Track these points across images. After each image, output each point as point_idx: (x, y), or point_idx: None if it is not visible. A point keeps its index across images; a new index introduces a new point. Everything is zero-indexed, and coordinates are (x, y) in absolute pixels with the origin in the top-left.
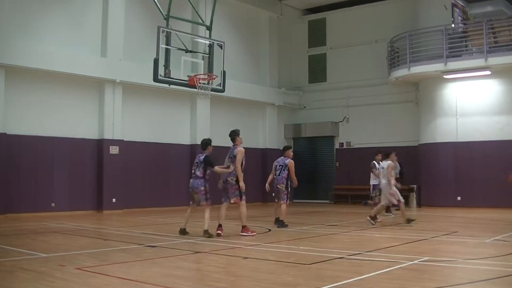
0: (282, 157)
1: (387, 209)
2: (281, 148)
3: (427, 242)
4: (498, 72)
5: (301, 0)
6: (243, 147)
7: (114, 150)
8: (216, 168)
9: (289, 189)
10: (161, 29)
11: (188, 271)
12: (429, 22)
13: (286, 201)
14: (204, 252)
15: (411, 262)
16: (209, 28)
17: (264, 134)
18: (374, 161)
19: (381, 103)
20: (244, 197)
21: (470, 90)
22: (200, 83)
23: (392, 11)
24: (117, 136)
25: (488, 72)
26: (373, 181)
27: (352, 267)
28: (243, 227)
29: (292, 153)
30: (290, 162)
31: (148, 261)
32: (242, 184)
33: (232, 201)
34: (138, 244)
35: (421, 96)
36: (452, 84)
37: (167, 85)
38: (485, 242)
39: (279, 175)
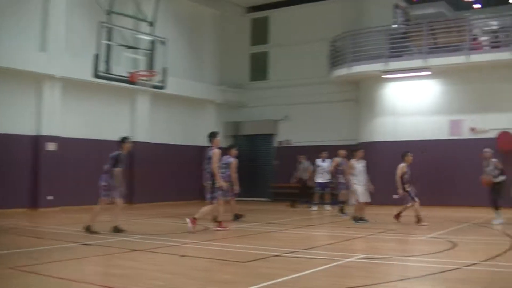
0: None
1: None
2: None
3: (363, 240)
4: (438, 73)
5: None
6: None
7: (51, 146)
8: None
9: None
10: (102, 24)
11: (125, 269)
12: (371, 22)
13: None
14: (141, 250)
15: (348, 260)
16: (151, 24)
17: (204, 131)
18: (318, 159)
19: (322, 101)
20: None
21: (410, 90)
22: (141, 79)
23: (335, 11)
24: (55, 133)
25: (428, 73)
26: (319, 179)
27: (289, 265)
28: (219, 222)
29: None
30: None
31: (84, 259)
32: (220, 183)
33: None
34: (74, 242)
35: (361, 95)
36: (392, 84)
37: (107, 81)
38: (420, 240)
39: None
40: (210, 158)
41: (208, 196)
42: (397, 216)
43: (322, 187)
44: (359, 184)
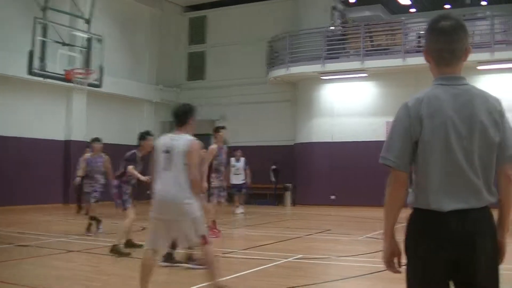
0: None
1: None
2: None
3: (301, 240)
4: (374, 75)
5: None
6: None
7: None
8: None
9: None
10: (37, 20)
11: (61, 271)
12: (309, 23)
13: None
14: (77, 251)
15: (285, 260)
16: (88, 22)
17: (141, 131)
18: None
19: (259, 102)
20: (211, 198)
21: (347, 91)
22: (77, 77)
23: (273, 12)
24: None
25: (364, 75)
26: (233, 180)
27: (226, 265)
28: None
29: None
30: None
31: (20, 261)
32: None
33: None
34: (9, 244)
35: (298, 96)
36: (329, 85)
37: (42, 79)
38: (357, 240)
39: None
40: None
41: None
42: None
43: (238, 188)
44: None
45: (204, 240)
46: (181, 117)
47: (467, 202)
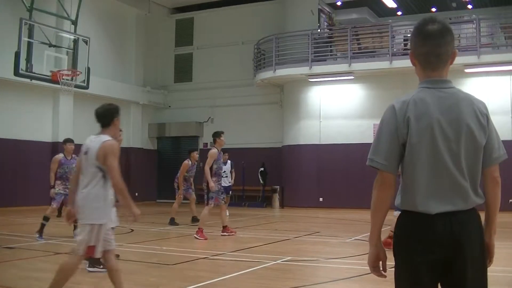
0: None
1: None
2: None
3: (290, 242)
4: (361, 77)
5: None
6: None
7: None
8: None
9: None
10: (23, 21)
11: (49, 273)
12: (296, 26)
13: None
14: (65, 253)
15: (274, 262)
16: (74, 23)
17: (128, 133)
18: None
19: (247, 104)
20: (211, 201)
21: (334, 94)
22: (63, 79)
23: (259, 14)
24: None
25: (351, 77)
26: (222, 183)
27: (215, 267)
28: (199, 229)
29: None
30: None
31: (6, 263)
32: (212, 185)
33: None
34: None
35: (286, 98)
36: (316, 88)
37: (28, 80)
38: (346, 242)
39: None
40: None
41: (206, 198)
42: None
43: (226, 191)
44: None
45: (88, 252)
46: (105, 118)
47: (454, 204)
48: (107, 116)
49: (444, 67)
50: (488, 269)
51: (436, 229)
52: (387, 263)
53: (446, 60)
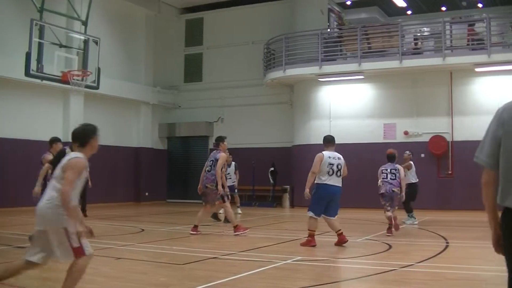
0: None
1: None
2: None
3: (300, 242)
4: (371, 77)
5: None
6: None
7: None
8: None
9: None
10: (34, 21)
11: (58, 272)
12: (306, 25)
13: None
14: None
15: (285, 262)
16: (84, 23)
17: (138, 132)
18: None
19: (256, 104)
20: (227, 199)
21: (344, 93)
22: (73, 79)
23: (269, 14)
24: None
25: (361, 77)
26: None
27: (225, 267)
28: (234, 227)
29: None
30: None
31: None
32: (220, 188)
33: (216, 203)
34: (6, 245)
35: (296, 98)
36: (326, 87)
37: (39, 80)
38: (356, 242)
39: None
40: (215, 161)
41: (206, 199)
42: None
43: (231, 190)
44: None
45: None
46: (82, 138)
47: None
48: (83, 137)
49: None
50: (483, 269)
51: None
52: (398, 262)
53: None
